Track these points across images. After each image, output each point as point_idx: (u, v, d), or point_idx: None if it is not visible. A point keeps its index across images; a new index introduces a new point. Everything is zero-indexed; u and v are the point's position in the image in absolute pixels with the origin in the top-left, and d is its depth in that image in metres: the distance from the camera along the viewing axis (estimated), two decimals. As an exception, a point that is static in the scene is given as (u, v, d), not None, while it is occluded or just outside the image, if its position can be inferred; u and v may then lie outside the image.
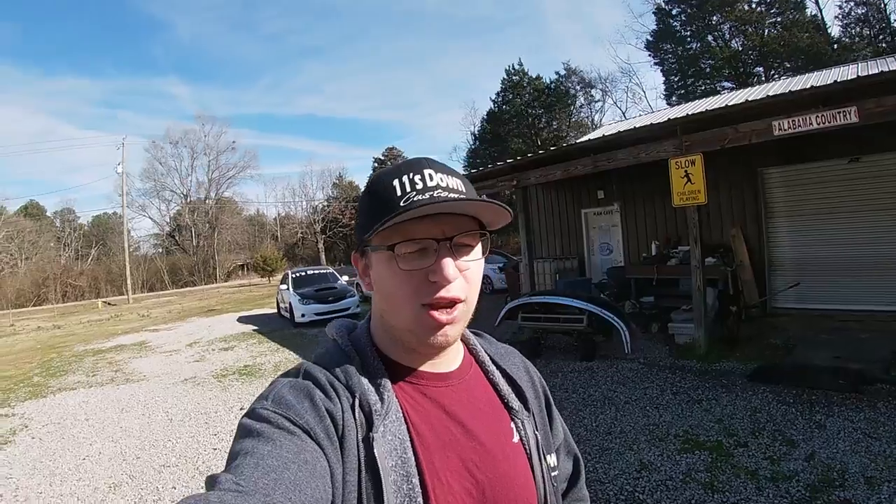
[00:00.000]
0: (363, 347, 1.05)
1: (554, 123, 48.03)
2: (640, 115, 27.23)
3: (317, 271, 20.29)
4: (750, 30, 38.55)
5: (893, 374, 6.79)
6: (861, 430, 5.47)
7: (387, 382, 0.99)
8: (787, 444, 5.31)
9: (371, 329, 1.10)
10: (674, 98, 41.20)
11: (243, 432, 0.87)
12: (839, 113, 7.31)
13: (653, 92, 59.47)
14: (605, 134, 13.59)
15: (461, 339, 1.16)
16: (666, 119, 9.26)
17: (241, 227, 63.50)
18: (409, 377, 1.04)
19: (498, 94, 50.75)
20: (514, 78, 49.76)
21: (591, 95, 50.27)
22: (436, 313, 0.95)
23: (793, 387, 6.84)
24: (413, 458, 0.93)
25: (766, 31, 38.30)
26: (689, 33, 41.99)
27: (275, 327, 17.06)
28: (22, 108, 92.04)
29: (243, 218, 65.92)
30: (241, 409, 8.35)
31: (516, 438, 1.08)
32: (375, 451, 0.89)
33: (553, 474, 1.15)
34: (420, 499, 0.90)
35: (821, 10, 39.22)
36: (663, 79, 44.39)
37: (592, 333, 9.37)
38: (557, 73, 49.90)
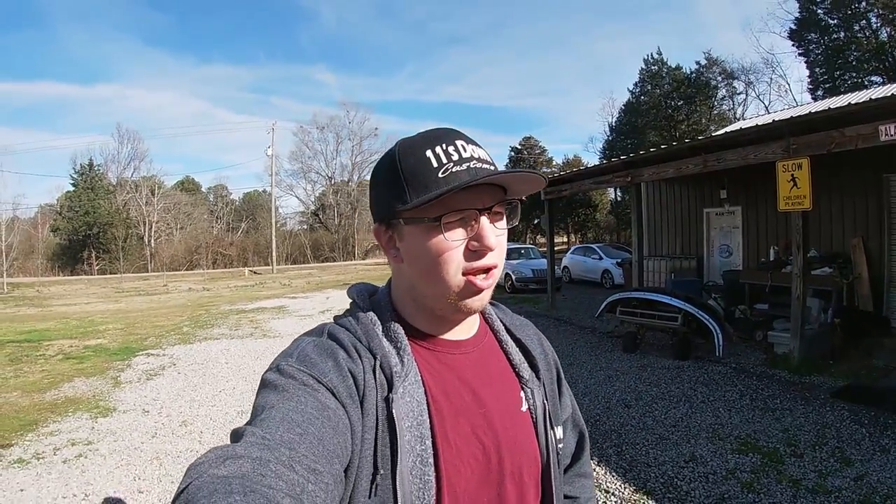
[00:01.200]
0: (384, 311, 1.09)
1: (694, 116, 46.53)
2: (784, 109, 26.21)
3: None
4: (898, 18, 35.78)
5: None
6: None
7: (407, 346, 1.02)
8: (843, 461, 5.28)
9: (392, 296, 1.13)
10: (819, 91, 38.63)
11: (268, 387, 0.90)
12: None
13: (798, 85, 56.35)
14: (714, 134, 13.36)
15: None
16: (771, 121, 9.08)
17: None
18: (426, 343, 1.07)
19: (636, 84, 49.97)
20: (652, 68, 48.68)
21: (734, 87, 48.46)
22: (475, 279, 0.99)
23: (875, 409, 6.67)
24: (428, 421, 0.97)
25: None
26: (834, 22, 39.33)
27: None
28: (179, 92, 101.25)
29: None
30: None
31: (525, 407, 1.12)
32: (394, 411, 0.92)
33: (559, 445, 1.18)
34: (431, 459, 0.94)
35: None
36: (808, 71, 41.85)
37: (689, 333, 9.45)
38: (698, 62, 48.08)
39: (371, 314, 1.07)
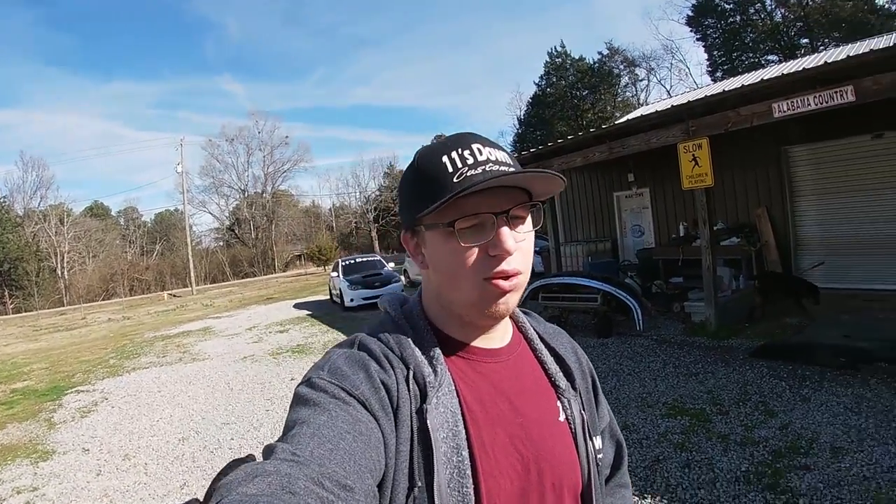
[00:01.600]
0: (416, 320, 1.07)
1: (599, 104, 47.70)
2: (685, 92, 27.14)
3: (365, 259, 21.49)
4: (792, 1, 37.79)
5: None
6: (844, 405, 5.71)
7: (440, 355, 1.01)
8: (767, 413, 5.65)
9: (424, 304, 1.11)
10: (718, 73, 40.67)
11: (300, 401, 0.90)
12: (836, 92, 7.47)
13: (698, 68, 58.70)
14: (618, 122, 13.82)
15: (510, 317, 1.16)
16: (670, 106, 9.56)
17: (297, 219, 66.08)
18: (460, 351, 1.06)
19: (541, 77, 50.92)
20: (556, 60, 49.63)
21: (636, 74, 50.20)
22: (497, 282, 0.97)
23: (792, 363, 7.11)
24: (464, 432, 0.95)
25: (809, 1, 37.60)
26: (730, 6, 41.31)
27: (327, 312, 18.41)
28: (83, 114, 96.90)
29: (299, 210, 68.28)
30: (292, 379, 9.51)
31: (562, 417, 1.10)
32: (429, 422, 0.91)
33: (599, 456, 1.16)
34: (469, 471, 0.92)
35: (868, -25, 38.08)
36: (706, 55, 43.82)
37: (610, 312, 9.83)
38: (600, 53, 49.64)
39: (403, 322, 1.07)
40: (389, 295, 1.18)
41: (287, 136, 64.73)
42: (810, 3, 37.54)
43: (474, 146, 0.98)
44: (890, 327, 8.03)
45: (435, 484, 0.88)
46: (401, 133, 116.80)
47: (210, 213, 65.64)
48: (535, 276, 18.23)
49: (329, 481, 0.72)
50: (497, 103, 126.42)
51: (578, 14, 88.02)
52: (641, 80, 50.37)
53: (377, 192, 62.98)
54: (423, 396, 0.94)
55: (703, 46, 43.79)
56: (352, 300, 17.77)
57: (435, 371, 0.97)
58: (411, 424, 0.91)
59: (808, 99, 7.71)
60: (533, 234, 1.03)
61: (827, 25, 36.41)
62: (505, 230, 0.95)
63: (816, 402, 5.83)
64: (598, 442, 1.16)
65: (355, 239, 62.29)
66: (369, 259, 21.56)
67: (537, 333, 1.18)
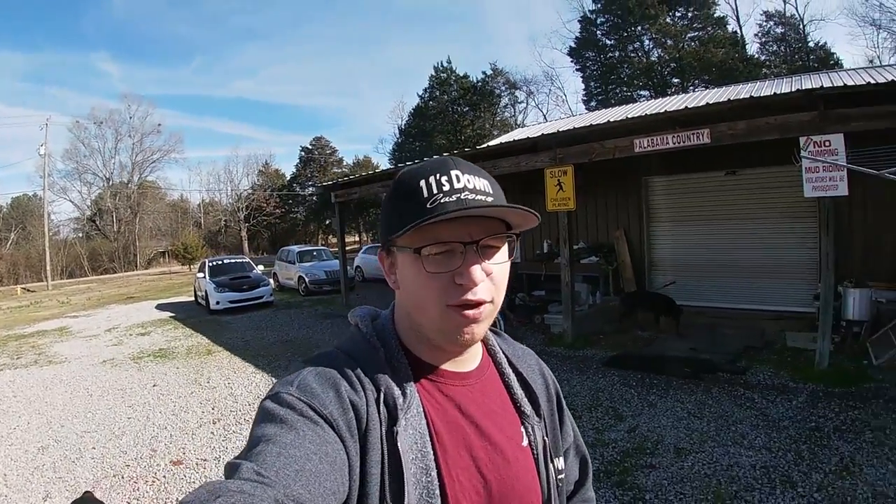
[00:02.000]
0: (388, 339, 1.08)
1: (478, 122, 48.65)
2: (561, 118, 28.15)
3: (233, 260, 20.90)
4: (669, 43, 40.41)
5: (739, 364, 8.01)
6: (687, 410, 6.48)
7: (409, 375, 1.02)
8: (616, 417, 6.28)
9: (395, 322, 1.11)
10: (593, 103, 42.88)
11: (266, 416, 0.89)
12: (693, 134, 8.31)
13: (574, 96, 61.29)
14: (490, 144, 14.48)
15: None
16: (540, 134, 10.29)
17: (164, 213, 61.46)
18: (429, 373, 1.06)
19: (425, 89, 51.12)
20: (441, 75, 50.08)
21: (516, 96, 51.88)
22: (462, 311, 0.97)
23: (641, 373, 7.84)
24: (432, 453, 0.96)
25: (685, 45, 40.11)
26: (611, 42, 43.52)
27: (191, 314, 17.71)
28: None
29: (166, 203, 63.55)
30: (154, 385, 9.26)
31: (525, 442, 1.11)
32: (399, 444, 0.92)
33: (559, 477, 1.18)
34: (437, 491, 0.94)
35: (741, 28, 41.96)
36: (583, 85, 46.05)
37: None
38: (484, 72, 50.80)
39: (375, 341, 1.07)
40: (360, 309, 1.19)
41: (160, 124, 59.58)
42: (685, 46, 40.03)
43: (453, 173, 0.98)
44: (732, 342, 9.13)
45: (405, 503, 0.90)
46: (280, 131, 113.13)
47: (71, 200, 59.46)
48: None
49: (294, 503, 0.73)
50: (381, 110, 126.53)
51: (469, 33, 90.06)
52: (520, 103, 52.32)
53: (250, 191, 60.45)
54: (393, 419, 0.95)
55: (582, 77, 45.98)
56: (217, 303, 17.34)
57: (404, 393, 0.99)
58: (381, 447, 0.92)
59: (667, 138, 8.50)
60: (507, 264, 1.04)
61: (699, 68, 38.92)
62: (472, 259, 0.96)
63: (662, 407, 6.51)
64: (560, 463, 1.20)
65: (224, 238, 59.80)
66: (238, 261, 20.94)
67: (506, 356, 1.21)
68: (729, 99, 9.79)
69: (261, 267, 20.88)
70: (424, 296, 0.99)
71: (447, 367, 1.08)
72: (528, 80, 51.14)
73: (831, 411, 6.53)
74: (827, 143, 7.49)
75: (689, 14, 41.22)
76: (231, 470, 0.78)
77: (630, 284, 12.72)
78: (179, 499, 0.73)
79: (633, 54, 42.40)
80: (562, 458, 1.22)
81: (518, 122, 48.07)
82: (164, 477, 5.78)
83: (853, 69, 15.61)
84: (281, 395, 0.91)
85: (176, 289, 27.79)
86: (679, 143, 8.49)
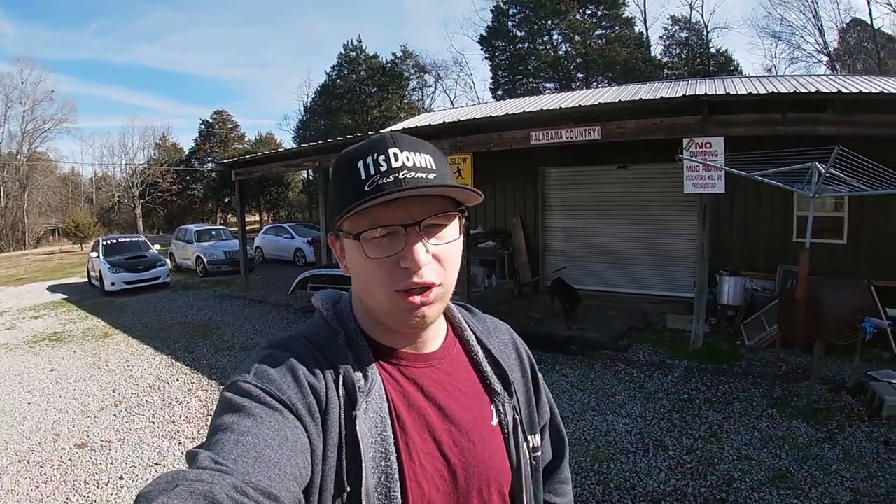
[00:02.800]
0: (347, 323, 1.06)
1: (385, 103, 48.18)
2: (468, 105, 28.44)
3: (128, 239, 19.97)
4: (577, 39, 41.18)
5: (621, 342, 8.75)
6: (571, 383, 7.12)
7: (370, 358, 1.01)
8: None
9: (353, 307, 1.09)
10: (500, 92, 43.28)
11: (224, 406, 0.88)
12: (585, 130, 8.80)
13: (482, 84, 61.78)
14: (392, 129, 14.77)
15: (445, 316, 1.16)
16: (442, 122, 10.65)
17: (54, 188, 55.03)
18: (389, 356, 1.04)
19: (333, 67, 50.06)
20: (351, 53, 49.20)
21: (424, 80, 51.47)
22: (410, 297, 0.95)
23: (531, 350, 8.26)
24: (392, 436, 0.95)
25: (592, 42, 41.13)
26: (521, 34, 44.11)
27: (85, 296, 17.00)
28: None
29: (56, 177, 57.05)
30: (52, 370, 9.10)
31: (495, 421, 1.09)
32: (357, 428, 0.91)
33: (535, 455, 1.17)
34: (396, 476, 0.92)
35: (647, 29, 43.48)
36: (491, 73, 46.39)
37: None
38: (394, 54, 50.21)
39: (335, 324, 1.06)
40: (323, 293, 1.17)
41: (53, 91, 53.00)
42: (592, 43, 41.02)
43: (391, 151, 0.95)
44: (616, 323, 9.88)
45: (363, 489, 0.89)
46: (180, 102, 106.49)
47: (-47, 172, 55.03)
48: (307, 265, 18.65)
49: (253, 490, 0.72)
50: (287, 85, 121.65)
51: (382, 12, 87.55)
52: (429, 87, 52.01)
53: (146, 165, 56.10)
54: (353, 402, 0.94)
55: (490, 65, 46.22)
56: (113, 284, 16.73)
57: (365, 376, 0.97)
58: (340, 430, 0.92)
59: (561, 132, 8.97)
60: (458, 242, 1.02)
61: (603, 66, 39.96)
62: (416, 243, 0.93)
63: (548, 381, 6.66)
64: (536, 440, 1.19)
65: (117, 215, 55.24)
66: (133, 240, 19.93)
67: (474, 334, 1.18)
68: (620, 100, 10.41)
69: (157, 246, 20.13)
70: (371, 282, 0.97)
71: (408, 349, 1.07)
72: (438, 64, 51.16)
73: (703, 385, 7.22)
74: (708, 145, 8.10)
75: (599, 12, 42.29)
76: (190, 458, 0.78)
77: (525, 269, 13.36)
78: (139, 489, 0.71)
79: (541, 47, 43.08)
80: (538, 436, 1.21)
81: (426, 107, 48.17)
82: (70, 460, 5.81)
83: (750, 76, 16.60)
84: (238, 384, 0.90)
85: (68, 269, 26.25)
86: (572, 137, 8.98)
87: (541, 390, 1.29)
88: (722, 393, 6.98)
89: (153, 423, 6.73)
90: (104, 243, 18.73)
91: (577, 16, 41.57)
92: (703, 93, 9.94)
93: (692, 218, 10.95)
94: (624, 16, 42.63)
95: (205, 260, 20.32)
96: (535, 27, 42.81)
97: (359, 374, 0.97)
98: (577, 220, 13.15)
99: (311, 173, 47.22)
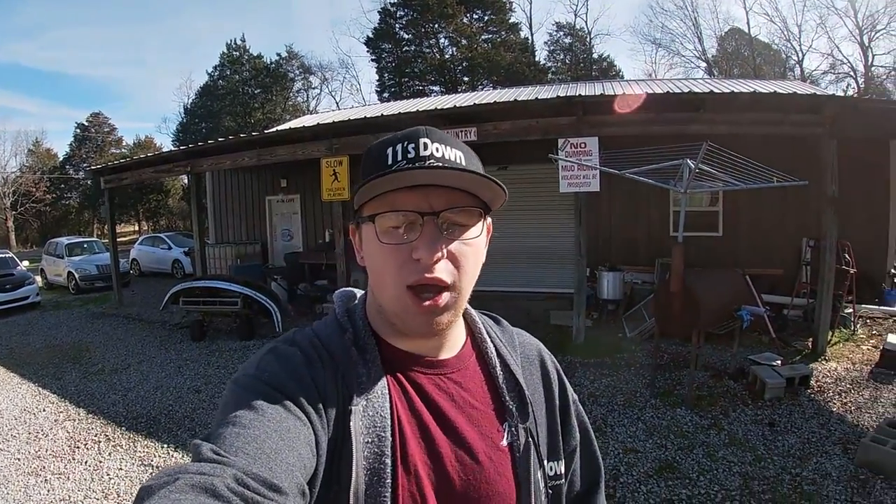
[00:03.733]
0: (357, 320, 1.03)
1: (269, 105, 47.33)
2: (353, 107, 28.26)
3: None
4: (464, 42, 41.63)
5: None
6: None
7: (376, 358, 0.97)
8: None
9: (366, 305, 1.06)
10: (386, 94, 43.22)
11: (228, 400, 0.87)
12: (462, 131, 8.77)
13: (368, 86, 61.35)
14: (268, 131, 14.49)
15: (467, 324, 1.12)
16: (316, 123, 10.47)
17: None
18: (398, 358, 1.00)
19: (216, 67, 48.74)
20: (234, 53, 48.10)
21: (310, 82, 50.98)
22: (420, 299, 0.91)
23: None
24: (390, 439, 0.91)
25: (478, 46, 41.57)
26: (408, 37, 44.11)
27: None
28: None
29: None
30: None
31: (506, 442, 1.03)
32: (352, 424, 0.89)
33: (555, 483, 1.10)
34: (388, 480, 0.89)
35: (532, 34, 44.57)
36: (377, 76, 46.10)
37: (251, 315, 10.31)
38: (279, 54, 49.38)
39: (345, 321, 1.03)
40: (340, 291, 1.14)
41: None
42: (478, 47, 41.47)
43: (422, 140, 0.92)
44: (515, 321, 9.61)
45: (352, 488, 0.86)
46: (55, 104, 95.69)
47: None
48: (185, 277, 17.97)
49: (255, 481, 0.71)
50: (168, 86, 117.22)
51: (269, 10, 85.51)
52: (314, 88, 51.40)
53: (17, 173, 50.61)
54: (350, 398, 0.91)
55: (377, 68, 45.93)
56: None
57: (368, 374, 0.94)
58: (336, 424, 0.89)
59: (437, 134, 8.92)
60: (479, 244, 0.98)
61: (488, 69, 40.58)
62: (431, 232, 0.90)
63: None
64: (558, 468, 1.11)
65: None
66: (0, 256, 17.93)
67: (495, 346, 1.12)
68: (495, 101, 10.45)
69: (26, 263, 18.95)
70: (382, 271, 0.94)
71: (419, 352, 1.02)
72: (324, 66, 50.67)
73: (586, 380, 7.26)
74: (583, 145, 8.22)
75: (486, 17, 42.90)
76: (194, 450, 0.77)
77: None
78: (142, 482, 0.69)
79: (427, 50, 43.29)
80: (560, 463, 1.12)
81: (311, 108, 47.58)
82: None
83: (629, 80, 17.16)
84: (240, 379, 0.90)
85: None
86: (448, 139, 8.93)
87: (570, 413, 1.20)
88: (605, 387, 7.05)
89: (18, 459, 6.24)
90: None
91: (464, 20, 41.94)
92: (576, 94, 10.08)
93: (572, 216, 11.09)
94: (510, 21, 43.41)
95: (76, 276, 18.93)
96: (423, 30, 42.96)
97: (361, 372, 0.94)
98: (457, 222, 13.08)
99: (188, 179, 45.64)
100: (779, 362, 7.12)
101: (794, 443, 5.37)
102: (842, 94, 29.45)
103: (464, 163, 0.94)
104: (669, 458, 5.16)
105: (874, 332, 8.89)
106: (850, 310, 9.00)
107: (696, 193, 8.98)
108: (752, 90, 9.99)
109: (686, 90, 10.13)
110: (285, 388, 0.87)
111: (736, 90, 10.19)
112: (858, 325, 9.06)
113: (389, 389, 0.95)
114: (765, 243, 10.44)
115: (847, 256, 8.58)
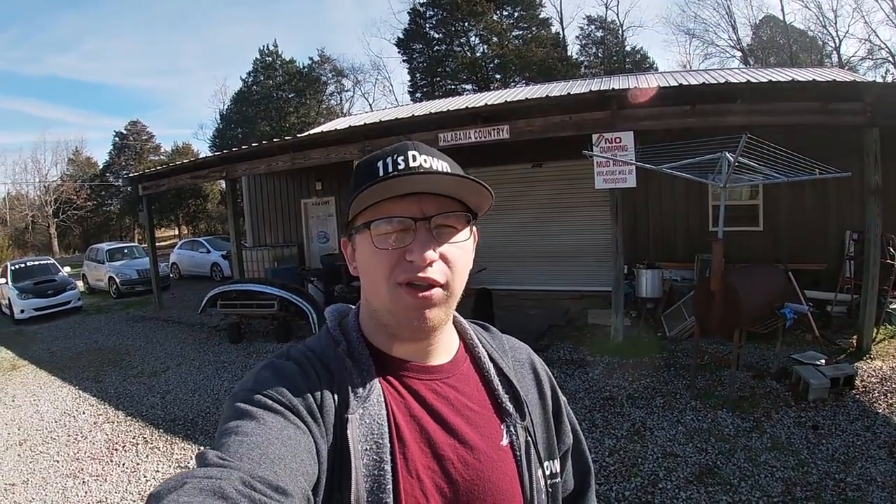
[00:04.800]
0: (350, 332, 1.06)
1: (303, 109, 47.43)
2: (386, 108, 28.30)
3: (37, 263, 18.66)
4: (494, 40, 41.29)
5: (542, 342, 8.53)
6: None
7: (370, 367, 0.99)
8: None
9: (360, 316, 1.09)
10: (418, 94, 43.17)
11: (228, 413, 0.89)
12: (494, 129, 8.68)
13: (401, 87, 61.50)
14: (301, 135, 14.50)
15: (458, 333, 1.16)
16: (348, 126, 10.38)
17: None
18: (393, 366, 1.03)
19: (249, 73, 49.05)
20: (267, 59, 48.40)
21: (342, 84, 51.12)
22: (410, 291, 0.95)
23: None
24: (388, 445, 0.92)
25: (509, 42, 41.27)
26: (439, 36, 43.97)
27: None
28: None
29: None
30: None
31: (506, 442, 1.05)
32: (349, 432, 0.90)
33: (552, 482, 1.12)
34: (389, 487, 0.90)
35: (563, 29, 44.06)
36: (409, 76, 46.05)
37: (288, 317, 10.34)
38: (311, 58, 49.57)
39: (338, 334, 1.05)
40: (333, 307, 1.17)
41: None
42: (509, 44, 41.18)
43: (410, 153, 0.97)
44: (537, 321, 9.75)
45: (352, 496, 0.86)
46: (94, 113, 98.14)
47: None
48: (224, 280, 18.12)
49: (260, 483, 0.72)
50: (204, 93, 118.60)
51: (299, 17, 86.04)
52: (347, 91, 51.59)
53: (59, 181, 51.90)
54: (346, 407, 0.93)
55: (408, 68, 45.91)
56: (22, 311, 15.67)
57: (363, 383, 0.96)
58: (334, 433, 0.91)
59: (469, 132, 8.85)
60: (468, 247, 1.03)
61: (520, 66, 40.15)
62: (421, 236, 0.94)
63: None
64: (554, 466, 1.15)
65: (32, 236, 50.75)
66: (41, 263, 18.67)
67: (487, 351, 1.15)
68: (526, 98, 10.30)
69: (67, 268, 19.17)
70: (375, 273, 0.96)
71: (413, 359, 1.04)
72: (356, 68, 50.93)
73: (625, 381, 7.11)
74: (618, 140, 8.05)
75: (516, 13, 42.59)
76: (199, 459, 0.78)
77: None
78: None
79: (458, 49, 43.11)
80: (556, 462, 1.16)
81: (344, 111, 47.59)
82: (-27, 509, 5.40)
83: (664, 72, 16.87)
84: (238, 394, 0.92)
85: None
86: (481, 137, 8.89)
87: (562, 414, 1.23)
88: (644, 388, 6.91)
89: (57, 461, 6.32)
90: (12, 268, 17.63)
91: (494, 17, 41.71)
92: (610, 87, 9.90)
93: (606, 212, 10.90)
94: (540, 16, 43.06)
95: (117, 280, 19.38)
96: (453, 29, 42.81)
97: (357, 381, 0.97)
98: (494, 221, 12.77)
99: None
100: (823, 361, 6.91)
101: (839, 446, 5.20)
102: (881, 80, 28.74)
103: (450, 171, 0.98)
104: (710, 463, 5.03)
105: (921, 329, 8.54)
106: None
107: (735, 188, 8.78)
108: (789, 79, 9.71)
109: (722, 80, 9.87)
110: (283, 399, 0.89)
111: (773, 79, 9.89)
112: (904, 322, 8.72)
113: (385, 397, 0.97)
114: (807, 237, 10.18)
115: (892, 250, 8.27)
